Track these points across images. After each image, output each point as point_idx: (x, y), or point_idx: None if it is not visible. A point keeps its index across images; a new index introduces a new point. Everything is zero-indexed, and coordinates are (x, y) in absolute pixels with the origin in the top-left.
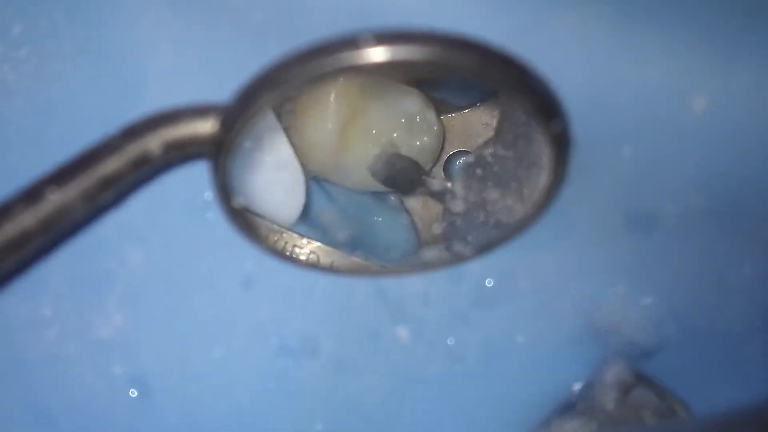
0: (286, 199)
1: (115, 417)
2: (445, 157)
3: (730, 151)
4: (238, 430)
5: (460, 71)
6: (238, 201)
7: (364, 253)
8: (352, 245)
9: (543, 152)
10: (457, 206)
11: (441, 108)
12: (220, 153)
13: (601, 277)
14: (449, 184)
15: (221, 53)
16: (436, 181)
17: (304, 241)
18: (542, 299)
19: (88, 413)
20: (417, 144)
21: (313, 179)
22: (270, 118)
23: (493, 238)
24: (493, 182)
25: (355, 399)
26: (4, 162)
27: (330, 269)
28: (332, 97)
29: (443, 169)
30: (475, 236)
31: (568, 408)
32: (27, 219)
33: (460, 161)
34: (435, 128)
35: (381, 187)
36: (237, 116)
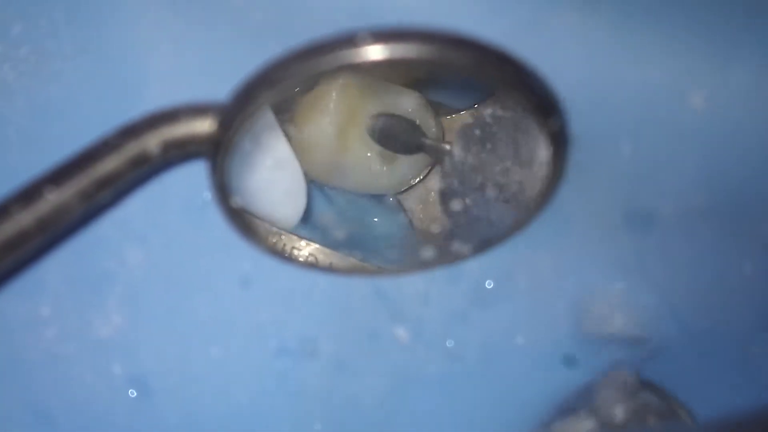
0: (287, 201)
1: (115, 417)
2: None
3: (729, 149)
4: (237, 430)
5: (457, 69)
6: (236, 201)
7: (362, 254)
8: (351, 246)
9: (541, 150)
10: (457, 205)
11: (439, 110)
12: (218, 152)
13: (601, 276)
14: (447, 146)
15: (221, 53)
16: (435, 143)
17: (303, 242)
18: (541, 299)
19: (88, 413)
20: None
21: (312, 183)
22: (269, 118)
23: (492, 236)
24: (492, 143)
25: (354, 399)
26: (4, 161)
27: (329, 269)
28: (331, 99)
29: (439, 179)
30: (476, 228)
31: (569, 409)
32: (25, 218)
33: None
34: (433, 130)
35: (380, 189)
36: (235, 115)
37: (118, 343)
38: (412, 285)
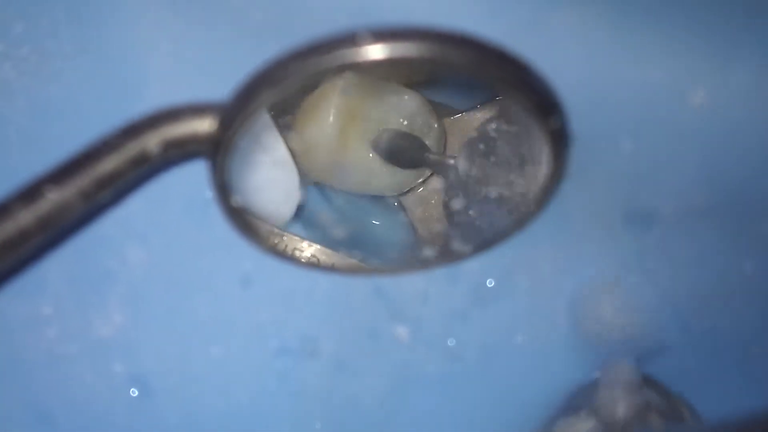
0: (281, 197)
1: (116, 416)
2: None
3: (729, 149)
4: (238, 429)
5: (457, 68)
6: (237, 200)
7: (363, 255)
8: (352, 247)
9: (541, 149)
10: (458, 203)
11: (441, 111)
12: (218, 151)
13: (601, 275)
14: (452, 161)
15: (221, 53)
16: (438, 157)
17: (305, 244)
18: (542, 298)
19: (89, 412)
20: None
21: (313, 183)
22: (264, 117)
23: (492, 236)
24: (496, 157)
25: (354, 398)
26: (5, 160)
27: (329, 268)
28: (333, 100)
29: (443, 199)
30: (477, 229)
31: (570, 408)
32: (25, 217)
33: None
34: (435, 131)
35: (381, 190)
36: (235, 114)
37: (119, 343)
38: (413, 284)
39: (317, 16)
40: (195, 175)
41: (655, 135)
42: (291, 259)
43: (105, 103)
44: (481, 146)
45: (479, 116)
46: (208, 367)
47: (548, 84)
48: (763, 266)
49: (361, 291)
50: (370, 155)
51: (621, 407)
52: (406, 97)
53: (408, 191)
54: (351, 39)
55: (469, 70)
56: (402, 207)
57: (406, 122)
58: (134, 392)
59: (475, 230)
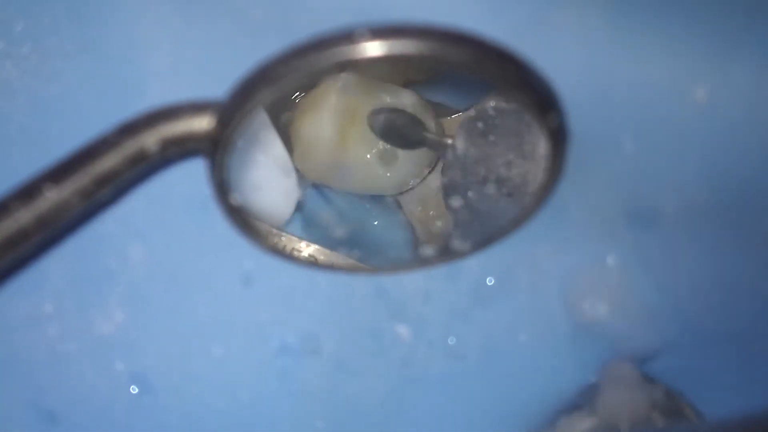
0: (279, 197)
1: (116, 414)
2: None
3: (730, 146)
4: (238, 428)
5: (455, 65)
6: (235, 198)
7: (362, 255)
8: (351, 247)
9: (543, 142)
10: (457, 201)
11: (439, 111)
12: (216, 149)
13: (602, 273)
14: (449, 140)
15: (222, 51)
16: (435, 136)
17: (303, 244)
18: (542, 296)
19: (89, 410)
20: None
21: (312, 184)
22: (263, 116)
23: (492, 233)
24: (495, 136)
25: (355, 397)
26: (6, 159)
27: (329, 267)
28: (331, 100)
29: (441, 172)
30: (476, 217)
31: (574, 408)
32: (24, 216)
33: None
34: (434, 131)
35: (380, 190)
36: (233, 112)
37: (120, 341)
38: (413, 283)
39: (317, 13)
40: (196, 173)
41: (656, 133)
42: (291, 257)
43: (106, 101)
44: (480, 125)
45: (480, 108)
46: (209, 366)
47: (547, 82)
48: (764, 264)
49: (362, 290)
50: (369, 156)
51: (623, 406)
52: (405, 96)
53: (406, 191)
54: (348, 36)
55: (468, 68)
56: (400, 206)
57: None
58: (135, 390)
59: (475, 227)
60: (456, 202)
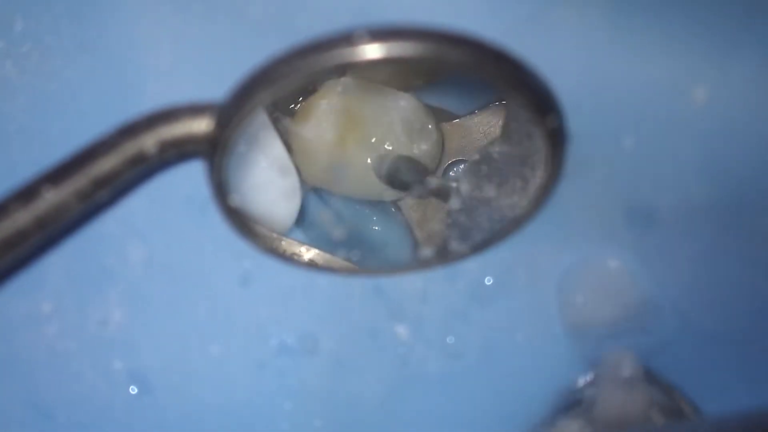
0: (282, 203)
1: (115, 413)
2: (444, 165)
3: (730, 145)
4: (237, 427)
5: (454, 67)
6: (234, 200)
7: (362, 258)
8: (350, 250)
9: (540, 148)
10: (456, 203)
11: (439, 116)
12: (215, 151)
13: (601, 272)
14: (453, 184)
15: (223, 51)
16: (440, 181)
17: (303, 248)
18: (541, 296)
19: (88, 409)
20: (415, 152)
21: (311, 188)
22: (262, 118)
23: (491, 235)
24: (498, 179)
25: (354, 397)
26: (5, 158)
27: (328, 269)
28: (330, 105)
29: (445, 222)
30: (476, 232)
31: (573, 406)
32: (23, 217)
33: (462, 166)
34: (434, 136)
35: (379, 194)
36: (232, 114)
37: (119, 340)
38: (412, 283)
39: (318, 14)
40: (196, 173)
41: (656, 133)
42: (290, 258)
43: (105, 100)
44: (484, 168)
45: (477, 121)
46: (208, 365)
47: (545, 82)
48: (764, 263)
49: (361, 290)
50: (368, 161)
51: (622, 404)
52: (405, 101)
53: (405, 196)
54: (347, 38)
55: (466, 69)
56: (400, 210)
57: (404, 127)
58: (134, 389)
59: (473, 230)
60: (456, 205)
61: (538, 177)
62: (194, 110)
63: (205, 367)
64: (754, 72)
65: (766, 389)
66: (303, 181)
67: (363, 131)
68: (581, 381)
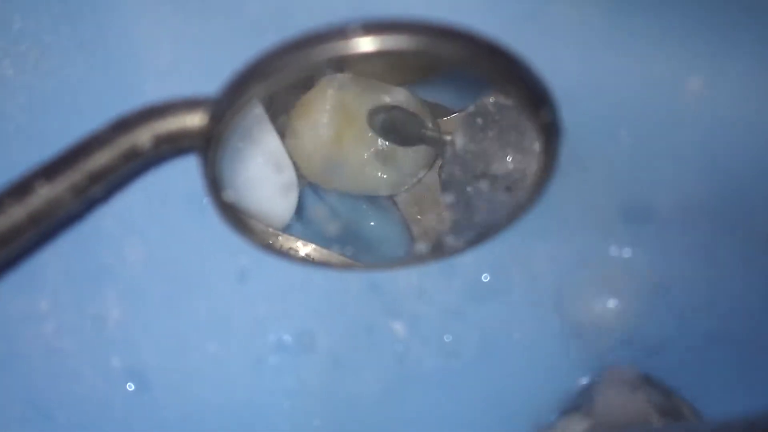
0: (278, 198)
1: (113, 410)
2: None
3: (727, 141)
4: (235, 425)
5: (448, 61)
6: (229, 195)
7: (358, 253)
8: (346, 245)
9: (533, 141)
10: (450, 197)
11: (435, 111)
12: (209, 146)
13: (598, 270)
14: (448, 137)
15: (220, 47)
16: (435, 133)
17: (300, 243)
18: (538, 293)
19: (86, 407)
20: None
21: (308, 184)
22: (258, 113)
23: (486, 229)
24: (494, 131)
25: (352, 394)
26: (4, 157)
27: (324, 265)
28: (327, 101)
29: (438, 173)
30: (472, 226)
31: (572, 408)
32: (17, 212)
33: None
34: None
35: (375, 190)
36: (226, 109)
37: (117, 337)
38: (408, 280)
39: (314, 10)
40: (192, 169)
41: (652, 129)
42: (286, 254)
43: (104, 99)
44: (479, 120)
45: (480, 104)
46: (205, 362)
47: (539, 77)
48: (763, 262)
49: (357, 286)
50: (365, 156)
51: (621, 406)
52: (401, 96)
53: (403, 191)
54: (341, 32)
55: (460, 63)
56: (396, 205)
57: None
58: (131, 387)
59: (470, 223)
60: (452, 198)
61: (531, 131)
62: (188, 105)
63: (202, 364)
64: (750, 69)
65: (766, 390)
66: (300, 177)
67: (360, 127)
68: (579, 381)
